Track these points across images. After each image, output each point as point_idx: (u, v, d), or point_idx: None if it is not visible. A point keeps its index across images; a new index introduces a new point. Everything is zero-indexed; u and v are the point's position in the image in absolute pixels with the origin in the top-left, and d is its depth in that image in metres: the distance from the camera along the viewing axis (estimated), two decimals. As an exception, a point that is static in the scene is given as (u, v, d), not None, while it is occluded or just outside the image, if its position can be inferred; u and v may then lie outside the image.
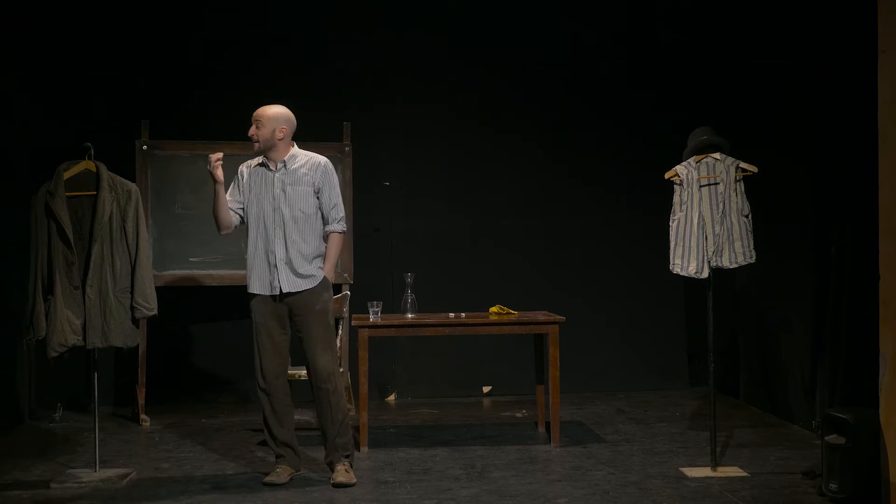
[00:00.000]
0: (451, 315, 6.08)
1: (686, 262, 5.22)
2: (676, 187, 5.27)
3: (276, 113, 5.01)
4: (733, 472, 5.15)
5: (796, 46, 6.17)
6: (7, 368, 6.33)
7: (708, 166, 5.22)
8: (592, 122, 7.72)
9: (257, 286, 5.01)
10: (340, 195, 5.13)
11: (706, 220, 5.18)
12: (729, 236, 5.17)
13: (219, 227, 5.11)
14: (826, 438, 4.64)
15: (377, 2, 7.49)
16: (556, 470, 5.29)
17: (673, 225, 5.26)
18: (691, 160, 5.27)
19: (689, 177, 5.23)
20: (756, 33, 6.82)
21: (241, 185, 5.09)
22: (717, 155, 5.23)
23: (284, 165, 5.03)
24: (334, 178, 5.11)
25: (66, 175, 5.02)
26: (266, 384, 5.06)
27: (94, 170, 5.07)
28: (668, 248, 5.26)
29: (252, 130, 5.01)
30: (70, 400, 6.82)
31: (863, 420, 4.49)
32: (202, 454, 5.72)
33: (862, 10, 4.83)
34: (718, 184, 5.19)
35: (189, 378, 7.36)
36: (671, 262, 5.26)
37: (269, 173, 5.03)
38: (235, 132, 7.04)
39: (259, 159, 5.10)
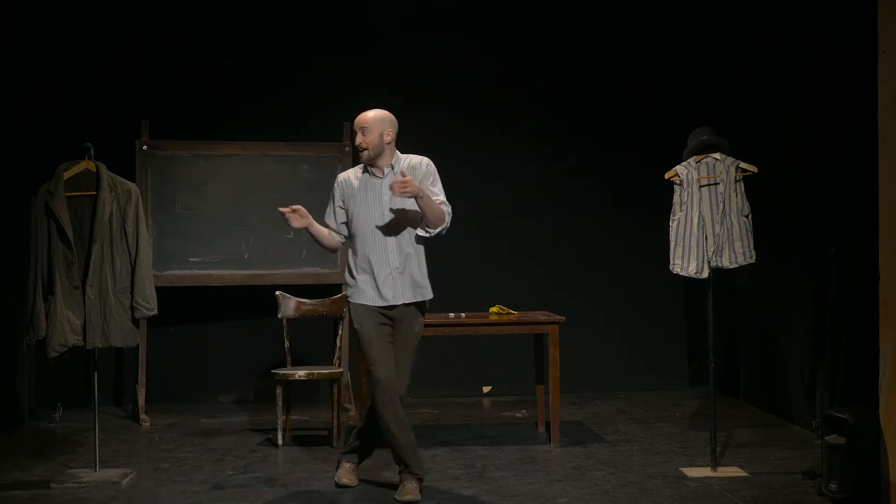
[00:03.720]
0: (451, 315, 6.08)
1: (686, 262, 5.21)
2: (676, 187, 5.27)
3: (380, 116, 4.68)
4: (733, 472, 5.14)
5: (796, 46, 6.16)
6: (7, 368, 6.33)
7: (708, 166, 5.22)
8: (593, 122, 7.72)
9: (368, 297, 4.70)
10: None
11: (706, 221, 5.17)
12: (729, 236, 5.16)
13: (327, 250, 4.99)
14: (826, 438, 4.64)
15: (377, 2, 7.49)
16: (556, 470, 5.29)
17: (673, 225, 5.25)
18: (691, 160, 5.26)
19: (689, 177, 5.23)
20: (756, 33, 6.81)
21: (336, 203, 4.79)
22: (717, 155, 5.23)
23: (392, 169, 4.71)
24: (437, 174, 4.79)
25: (66, 175, 5.01)
26: (388, 394, 4.64)
27: (94, 170, 5.06)
28: (668, 248, 5.26)
29: (359, 139, 4.65)
30: (70, 400, 6.82)
31: (863, 420, 4.49)
32: (202, 454, 5.72)
33: (862, 10, 4.83)
34: (718, 184, 5.19)
35: (189, 378, 7.36)
36: (671, 263, 5.26)
37: (376, 180, 4.70)
38: (235, 132, 7.08)
39: (359, 168, 4.80)
